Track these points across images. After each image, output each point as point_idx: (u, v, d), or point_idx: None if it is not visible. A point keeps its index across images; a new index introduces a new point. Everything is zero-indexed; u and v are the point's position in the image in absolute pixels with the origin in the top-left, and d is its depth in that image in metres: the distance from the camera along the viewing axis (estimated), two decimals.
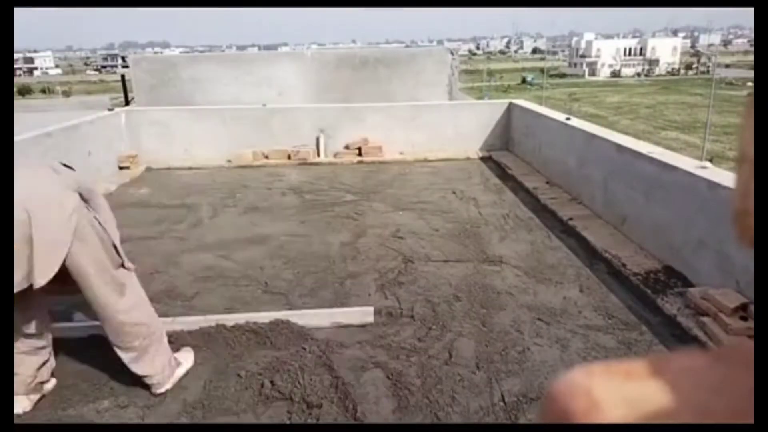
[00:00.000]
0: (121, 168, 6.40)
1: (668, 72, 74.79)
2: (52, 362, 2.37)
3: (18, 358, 2.20)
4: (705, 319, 2.73)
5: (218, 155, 6.74)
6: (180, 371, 2.47)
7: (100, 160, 6.07)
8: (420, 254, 3.86)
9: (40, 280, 2.01)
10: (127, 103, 9.56)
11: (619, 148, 4.16)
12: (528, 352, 2.64)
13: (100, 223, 2.19)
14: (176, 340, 2.68)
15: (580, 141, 4.89)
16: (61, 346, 2.53)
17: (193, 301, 3.27)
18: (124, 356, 2.30)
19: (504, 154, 6.76)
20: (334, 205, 5.06)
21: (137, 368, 2.32)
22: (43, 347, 2.30)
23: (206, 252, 4.02)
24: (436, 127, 6.99)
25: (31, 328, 2.23)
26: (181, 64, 8.23)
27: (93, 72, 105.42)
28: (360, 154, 6.79)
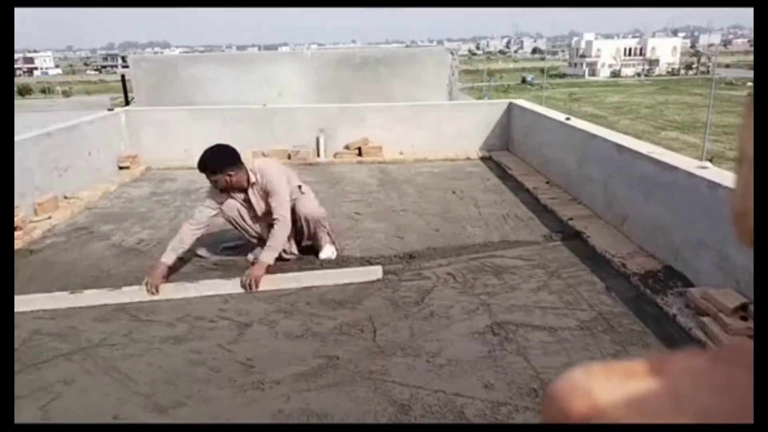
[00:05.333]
0: (121, 168, 6.39)
1: (668, 72, 74.81)
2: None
3: None
4: (705, 319, 2.73)
5: None
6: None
7: (100, 160, 6.07)
8: (420, 254, 3.86)
9: None
10: (127, 103, 9.56)
11: (619, 148, 4.16)
12: (528, 354, 2.64)
13: None
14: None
15: (580, 141, 4.89)
16: None
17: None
18: None
19: (504, 154, 6.76)
20: (333, 206, 5.05)
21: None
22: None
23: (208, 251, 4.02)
24: (436, 127, 6.99)
25: None
26: (181, 64, 8.23)
27: (93, 72, 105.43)
28: (360, 154, 6.79)
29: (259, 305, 3.19)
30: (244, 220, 3.68)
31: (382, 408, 2.28)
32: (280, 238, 3.49)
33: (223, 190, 3.55)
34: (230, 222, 3.71)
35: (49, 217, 4.68)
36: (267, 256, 3.41)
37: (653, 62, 76.91)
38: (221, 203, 3.60)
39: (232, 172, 3.47)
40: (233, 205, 3.62)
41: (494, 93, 47.73)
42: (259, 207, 3.64)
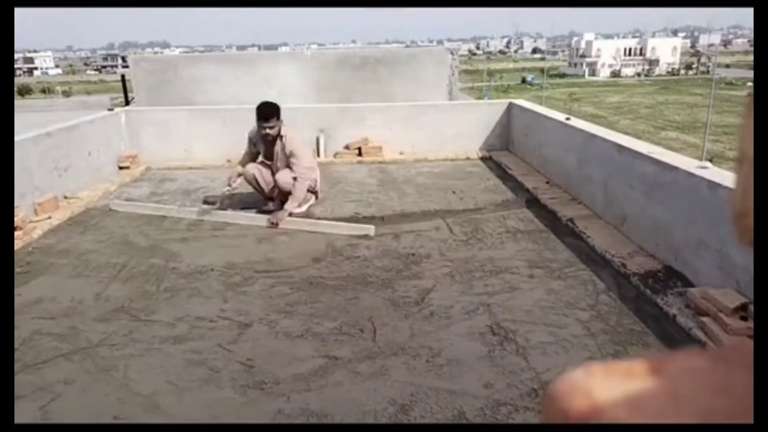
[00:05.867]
0: (121, 168, 6.39)
1: (668, 72, 74.81)
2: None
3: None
4: (705, 319, 2.73)
5: (218, 155, 6.73)
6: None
7: (100, 160, 6.07)
8: (420, 254, 3.86)
9: None
10: (127, 103, 9.56)
11: (619, 148, 4.16)
12: (528, 354, 2.64)
13: None
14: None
15: (580, 141, 4.89)
16: None
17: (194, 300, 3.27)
18: None
19: (504, 154, 6.76)
20: (333, 205, 5.06)
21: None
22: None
23: (212, 249, 4.02)
24: (436, 127, 6.98)
25: None
26: (181, 64, 8.22)
27: (93, 72, 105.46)
28: (360, 154, 6.79)
29: (259, 305, 3.19)
30: (263, 178, 4.70)
31: (382, 408, 2.28)
32: (299, 192, 4.50)
33: (266, 136, 4.60)
34: (250, 180, 4.72)
35: (49, 217, 4.68)
36: (290, 205, 4.45)
37: (653, 62, 76.91)
38: (254, 152, 4.81)
39: (279, 121, 4.62)
40: (256, 166, 4.70)
41: (494, 93, 47.73)
42: (281, 161, 4.66)
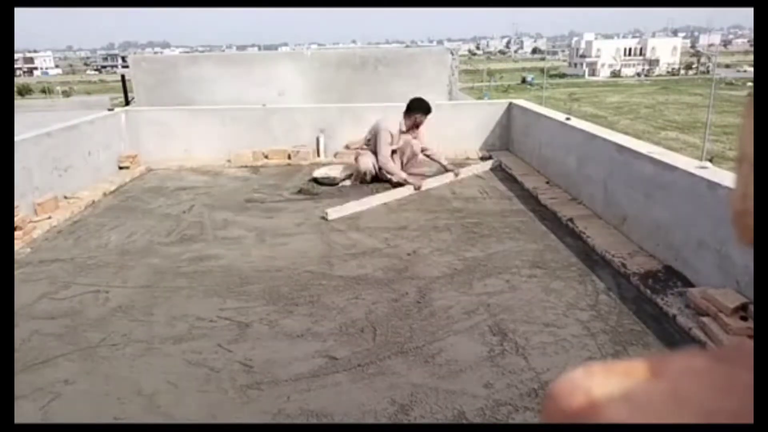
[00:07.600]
0: (121, 168, 6.39)
1: (668, 72, 74.83)
2: None
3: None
4: (705, 319, 2.73)
5: (218, 155, 6.74)
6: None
7: (100, 160, 6.07)
8: (420, 253, 3.86)
9: None
10: (127, 103, 9.57)
11: (619, 148, 4.16)
12: (528, 354, 2.64)
13: None
14: None
15: (580, 141, 4.89)
16: None
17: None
18: None
19: (504, 154, 6.75)
20: (332, 206, 5.05)
21: None
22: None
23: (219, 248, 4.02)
24: (436, 127, 6.97)
25: None
26: (181, 64, 8.22)
27: (93, 72, 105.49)
28: None
29: (260, 305, 3.19)
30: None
31: (382, 408, 2.28)
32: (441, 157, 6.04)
33: (419, 126, 5.85)
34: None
35: (49, 217, 4.68)
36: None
37: (653, 62, 76.92)
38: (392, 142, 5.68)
39: None
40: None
41: (494, 93, 47.72)
42: (408, 145, 5.82)
